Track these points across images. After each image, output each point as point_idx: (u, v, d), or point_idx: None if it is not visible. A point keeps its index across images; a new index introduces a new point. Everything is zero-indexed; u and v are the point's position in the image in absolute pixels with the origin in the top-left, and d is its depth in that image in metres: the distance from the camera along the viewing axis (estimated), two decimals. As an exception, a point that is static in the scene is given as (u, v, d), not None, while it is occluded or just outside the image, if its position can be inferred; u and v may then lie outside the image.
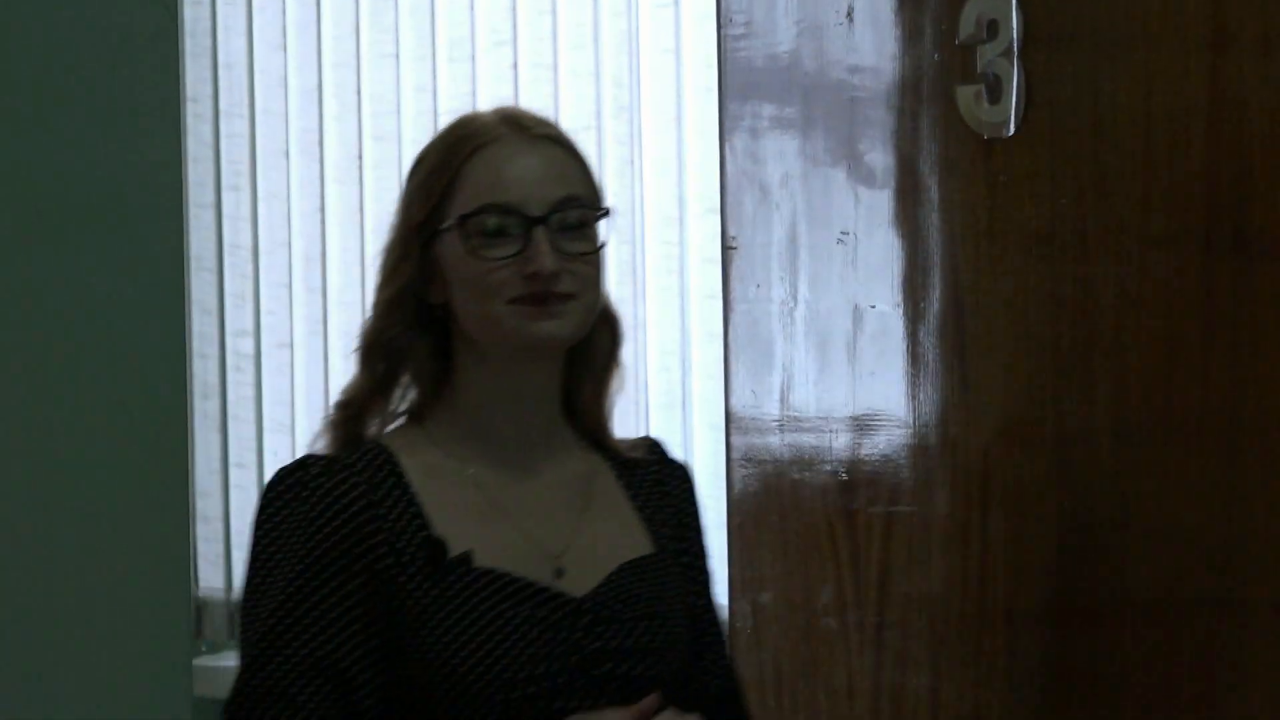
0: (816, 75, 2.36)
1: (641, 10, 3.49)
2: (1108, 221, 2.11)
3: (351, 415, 1.65)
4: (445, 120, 1.96)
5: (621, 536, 1.70)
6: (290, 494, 1.60)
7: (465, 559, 1.57)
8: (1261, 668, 1.94)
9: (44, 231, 2.76)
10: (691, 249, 3.16)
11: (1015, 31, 2.04)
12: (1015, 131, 2.07)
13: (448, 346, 1.63)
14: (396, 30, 3.55)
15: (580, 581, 1.63)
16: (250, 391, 3.92)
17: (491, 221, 1.56)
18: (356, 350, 1.69)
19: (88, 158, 2.83)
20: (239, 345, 3.89)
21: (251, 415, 3.92)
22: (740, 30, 2.40)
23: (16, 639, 2.66)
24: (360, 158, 3.73)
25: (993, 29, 2.07)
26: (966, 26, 2.11)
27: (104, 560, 2.71)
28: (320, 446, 1.65)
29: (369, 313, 1.72)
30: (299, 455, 1.69)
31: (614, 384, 1.72)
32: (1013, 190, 2.17)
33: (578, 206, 1.58)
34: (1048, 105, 2.09)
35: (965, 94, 2.11)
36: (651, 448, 1.80)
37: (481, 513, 1.64)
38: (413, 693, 1.59)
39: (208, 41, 3.77)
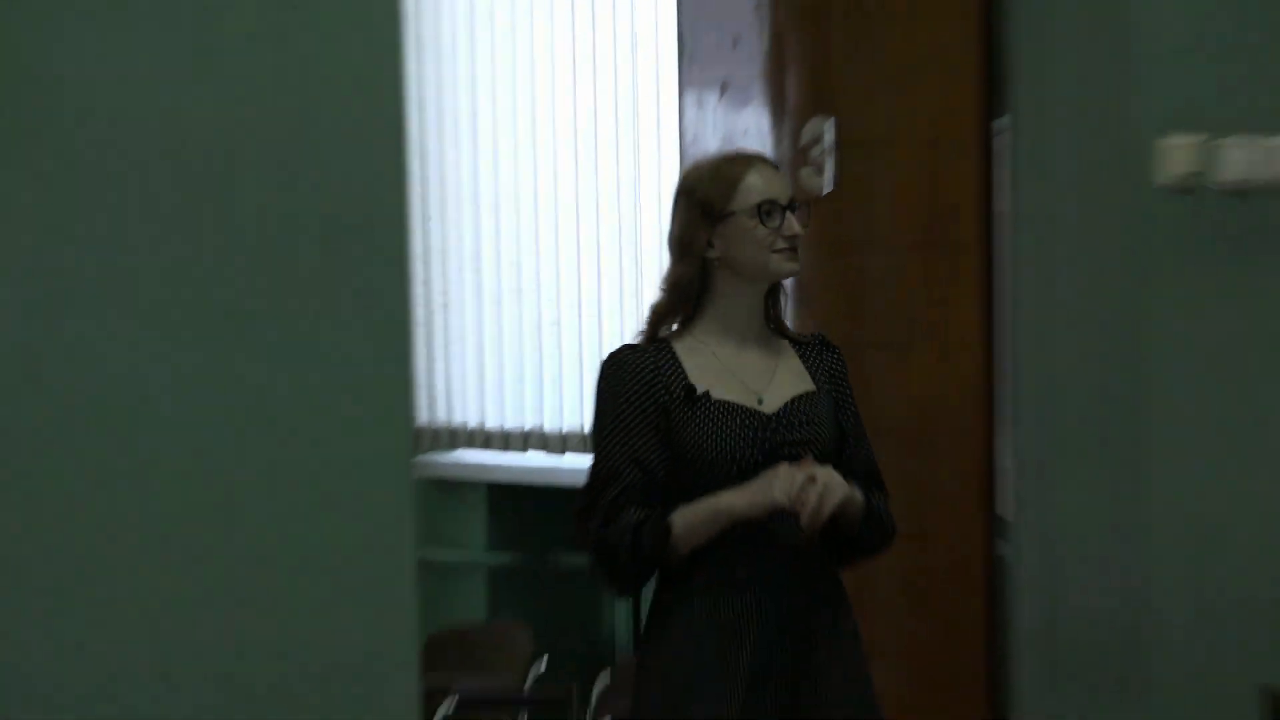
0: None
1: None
2: (874, 233, 3.89)
3: (654, 322, 2.64)
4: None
5: (795, 382, 2.66)
6: (613, 367, 2.58)
7: (706, 395, 2.55)
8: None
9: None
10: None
11: (829, 137, 3.63)
12: (828, 191, 3.65)
13: (705, 284, 2.65)
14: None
15: (771, 405, 2.60)
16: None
17: (769, 208, 2.56)
18: (661, 286, 2.68)
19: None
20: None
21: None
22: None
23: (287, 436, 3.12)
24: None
25: (818, 136, 3.67)
26: (806, 134, 3.70)
27: (350, 374, 3.21)
28: (635, 339, 2.65)
29: (670, 263, 2.71)
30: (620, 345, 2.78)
31: (784, 302, 2.78)
32: (824, 219, 3.55)
33: (796, 204, 2.64)
34: (847, 176, 3.65)
35: (804, 172, 3.67)
36: (819, 338, 2.83)
37: (716, 370, 2.60)
38: (680, 472, 2.55)
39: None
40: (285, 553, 3.13)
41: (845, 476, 2.69)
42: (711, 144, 4.43)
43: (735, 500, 2.64)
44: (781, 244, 2.61)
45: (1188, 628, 3.79)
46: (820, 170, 3.63)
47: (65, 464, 3.00)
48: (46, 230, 3.02)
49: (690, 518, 2.66)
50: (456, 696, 4.50)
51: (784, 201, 2.61)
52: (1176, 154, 3.54)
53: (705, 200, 2.63)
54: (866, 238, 4.24)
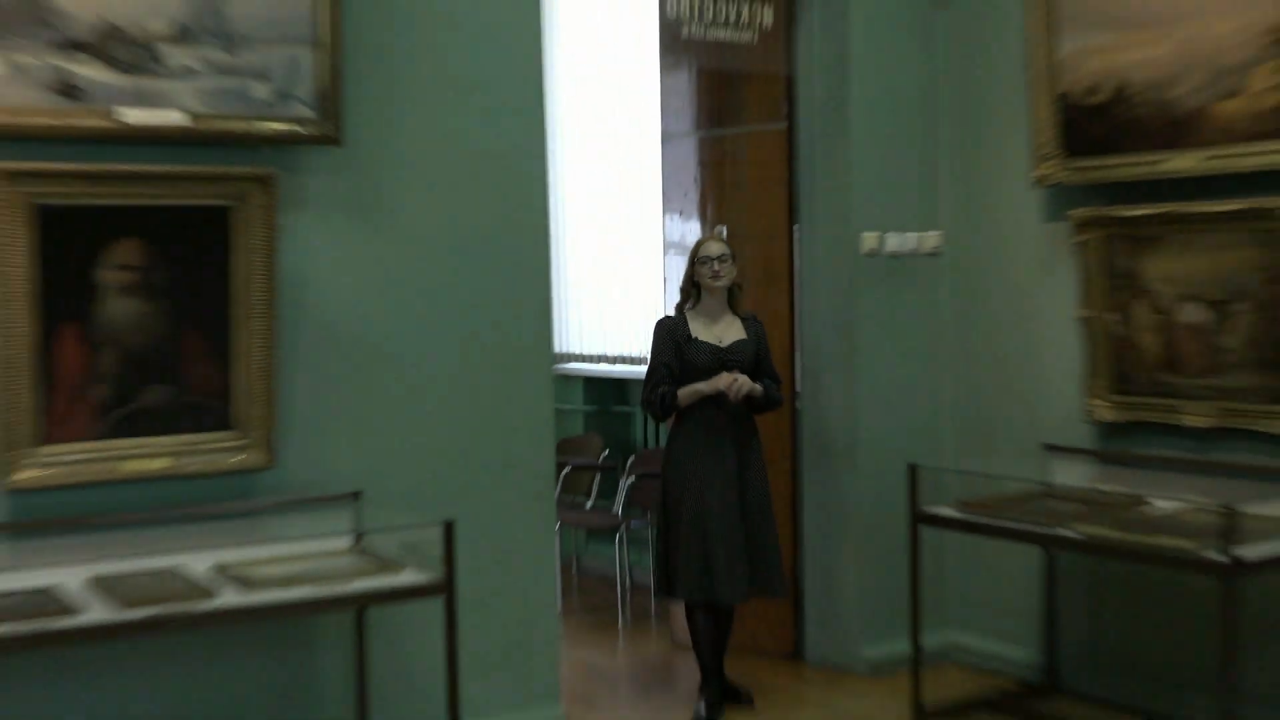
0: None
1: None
2: (747, 272, 5.63)
3: (680, 303, 5.20)
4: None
5: (737, 334, 5.14)
6: (659, 324, 5.21)
7: (697, 339, 5.11)
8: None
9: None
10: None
11: (720, 246, 6.04)
12: (726, 252, 6.11)
13: (697, 288, 5.10)
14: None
15: (724, 343, 5.11)
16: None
17: (705, 259, 5.09)
18: (680, 288, 5.28)
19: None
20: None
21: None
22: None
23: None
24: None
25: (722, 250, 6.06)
26: (707, 250, 6.11)
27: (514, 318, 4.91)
28: (671, 311, 5.27)
29: (682, 279, 5.26)
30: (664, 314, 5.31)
31: (740, 296, 5.24)
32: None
33: (726, 257, 5.08)
34: (738, 249, 5.90)
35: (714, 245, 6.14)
36: (752, 315, 5.24)
37: (702, 326, 5.14)
38: (683, 372, 5.08)
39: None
40: (497, 403, 4.90)
41: (757, 378, 5.06)
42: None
43: (703, 386, 5.01)
44: (709, 275, 5.04)
45: (870, 434, 5.80)
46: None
47: (394, 351, 4.70)
48: (371, 229, 4.66)
49: (685, 391, 5.01)
50: (569, 466, 6.87)
51: (714, 255, 5.04)
52: (868, 240, 5.60)
53: (691, 255, 5.12)
54: (749, 273, 5.68)
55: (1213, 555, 4.03)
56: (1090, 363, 5.13)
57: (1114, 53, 4.87)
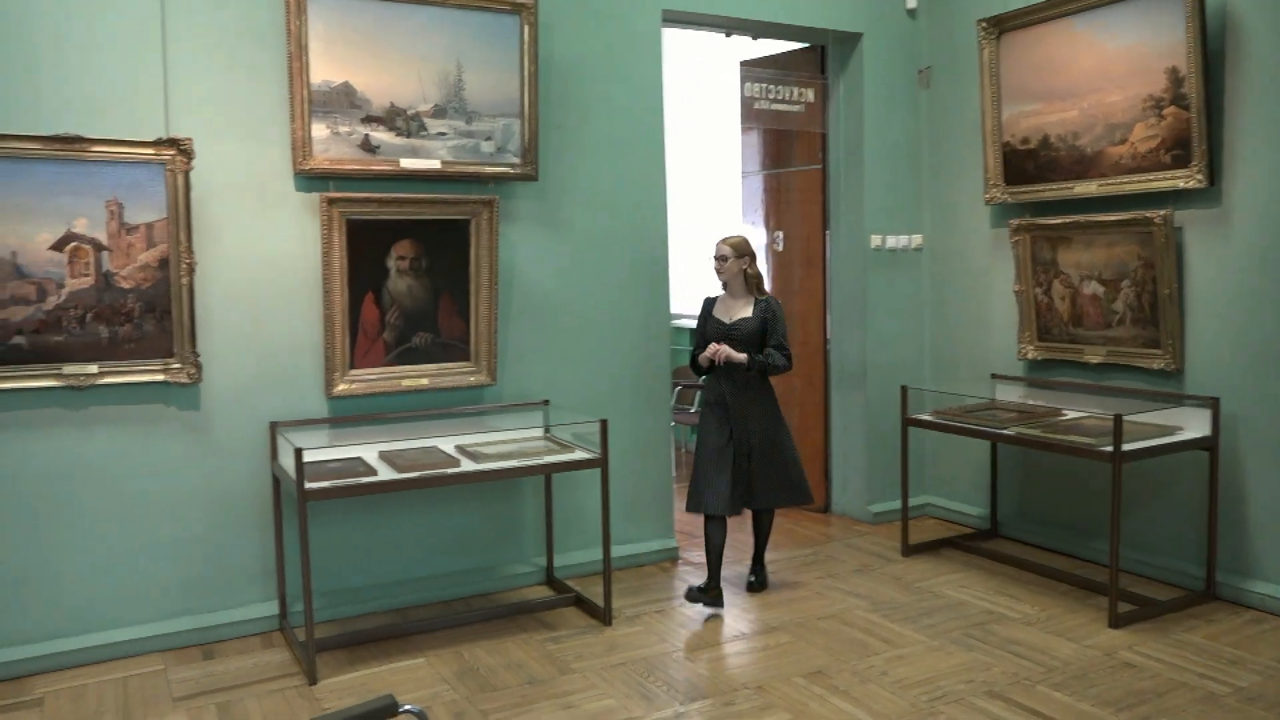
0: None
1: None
2: (803, 230, 5.73)
3: (712, 297, 4.26)
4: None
5: (745, 313, 4.12)
6: (702, 303, 4.29)
7: (715, 317, 4.22)
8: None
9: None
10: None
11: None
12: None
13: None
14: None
15: (731, 320, 4.15)
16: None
17: (716, 256, 4.14)
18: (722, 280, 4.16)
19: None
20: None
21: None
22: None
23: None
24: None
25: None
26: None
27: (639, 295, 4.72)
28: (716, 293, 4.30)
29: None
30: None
31: (753, 283, 4.15)
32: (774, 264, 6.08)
33: (723, 257, 4.11)
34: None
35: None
36: (767, 297, 4.13)
37: (722, 308, 4.21)
38: (706, 341, 4.18)
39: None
40: (633, 344, 4.76)
41: (760, 347, 4.11)
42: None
43: (704, 354, 4.18)
44: (715, 270, 4.20)
45: (875, 367, 5.51)
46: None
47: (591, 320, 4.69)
48: (554, 234, 4.53)
49: (700, 358, 4.21)
50: (679, 385, 6.59)
51: (714, 256, 4.17)
52: (874, 240, 5.38)
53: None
54: (795, 261, 5.78)
55: (1106, 448, 3.93)
56: (1022, 320, 4.97)
57: (1040, 116, 4.75)
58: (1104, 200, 4.51)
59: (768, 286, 5.71)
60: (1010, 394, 5.00)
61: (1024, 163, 4.81)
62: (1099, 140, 4.46)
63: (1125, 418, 3.94)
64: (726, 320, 4.19)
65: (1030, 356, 4.95)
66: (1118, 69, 4.30)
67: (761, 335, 4.12)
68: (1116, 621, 3.86)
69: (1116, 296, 4.50)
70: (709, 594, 4.15)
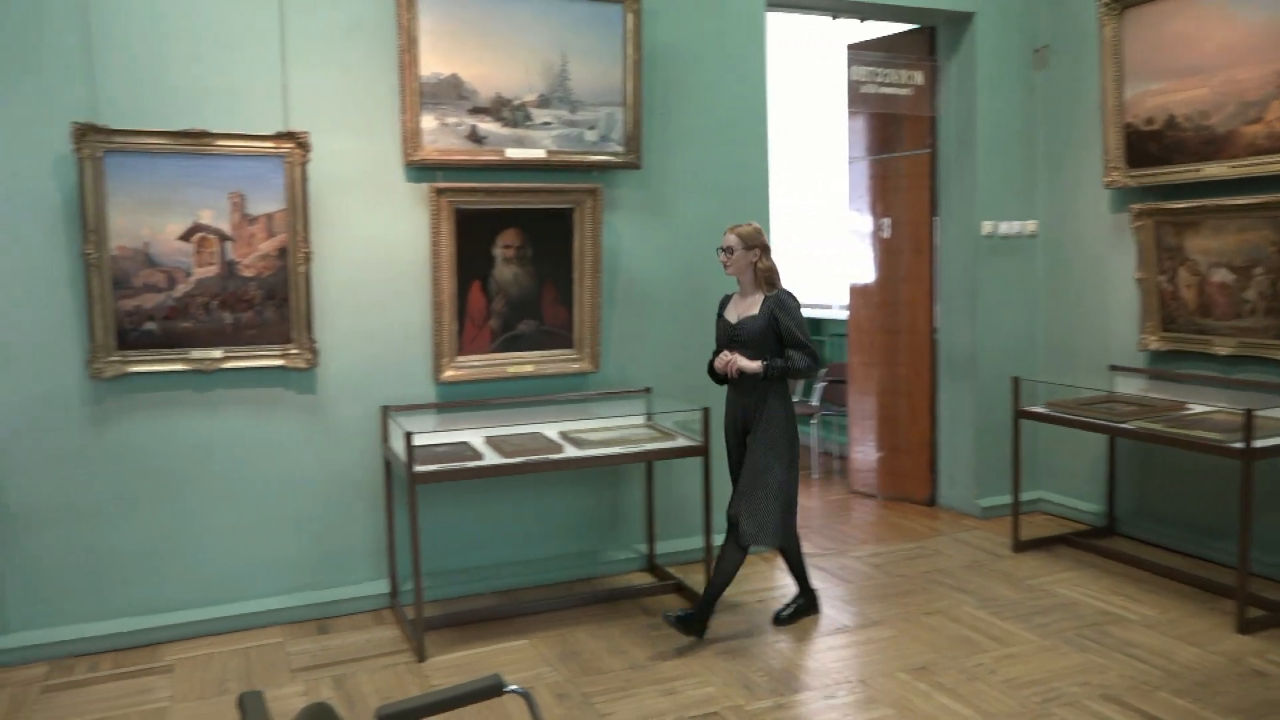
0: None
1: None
2: (911, 216, 5.57)
3: (729, 295, 3.74)
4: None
5: (751, 311, 3.57)
6: (721, 299, 3.78)
7: (723, 316, 3.72)
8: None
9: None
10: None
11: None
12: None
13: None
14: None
15: (736, 320, 3.63)
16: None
17: (723, 249, 3.56)
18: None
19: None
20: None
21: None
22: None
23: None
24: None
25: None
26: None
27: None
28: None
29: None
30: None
31: (763, 277, 3.57)
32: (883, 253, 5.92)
33: (729, 249, 3.52)
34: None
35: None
36: (777, 293, 3.54)
37: (732, 307, 3.66)
38: (719, 343, 3.69)
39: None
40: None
41: (770, 351, 3.57)
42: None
43: (716, 362, 3.69)
44: (723, 261, 3.67)
45: (986, 357, 5.35)
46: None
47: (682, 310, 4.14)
48: (657, 221, 4.43)
49: (715, 366, 3.70)
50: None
51: (722, 246, 3.65)
52: (985, 226, 5.23)
53: None
54: (904, 248, 5.59)
55: (1236, 444, 3.78)
56: (1144, 310, 4.79)
57: (1165, 94, 4.56)
58: (1235, 183, 4.32)
59: (872, 275, 5.66)
60: (1129, 386, 4.84)
61: (1147, 144, 4.64)
62: (1231, 119, 4.27)
63: (1256, 412, 3.76)
64: (733, 320, 3.70)
65: (1152, 347, 4.78)
66: (1252, 43, 4.14)
67: (770, 336, 3.57)
68: (1245, 627, 3.72)
69: (1248, 285, 4.31)
70: (685, 623, 3.61)
